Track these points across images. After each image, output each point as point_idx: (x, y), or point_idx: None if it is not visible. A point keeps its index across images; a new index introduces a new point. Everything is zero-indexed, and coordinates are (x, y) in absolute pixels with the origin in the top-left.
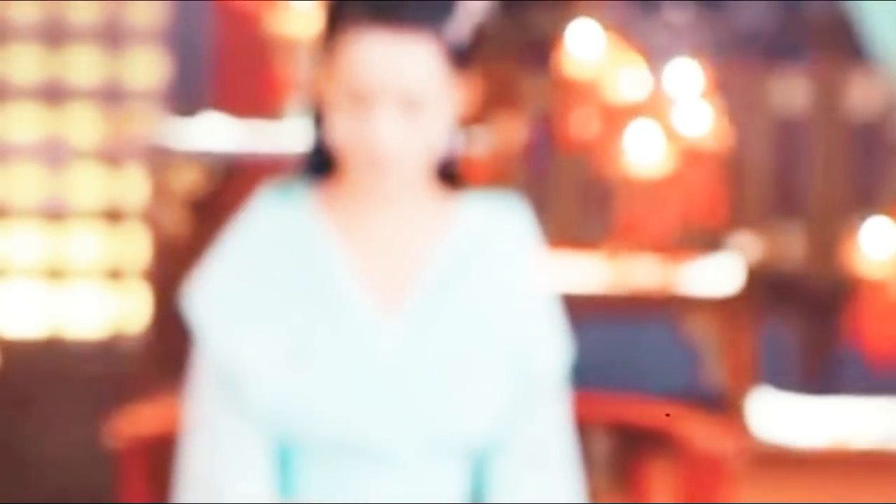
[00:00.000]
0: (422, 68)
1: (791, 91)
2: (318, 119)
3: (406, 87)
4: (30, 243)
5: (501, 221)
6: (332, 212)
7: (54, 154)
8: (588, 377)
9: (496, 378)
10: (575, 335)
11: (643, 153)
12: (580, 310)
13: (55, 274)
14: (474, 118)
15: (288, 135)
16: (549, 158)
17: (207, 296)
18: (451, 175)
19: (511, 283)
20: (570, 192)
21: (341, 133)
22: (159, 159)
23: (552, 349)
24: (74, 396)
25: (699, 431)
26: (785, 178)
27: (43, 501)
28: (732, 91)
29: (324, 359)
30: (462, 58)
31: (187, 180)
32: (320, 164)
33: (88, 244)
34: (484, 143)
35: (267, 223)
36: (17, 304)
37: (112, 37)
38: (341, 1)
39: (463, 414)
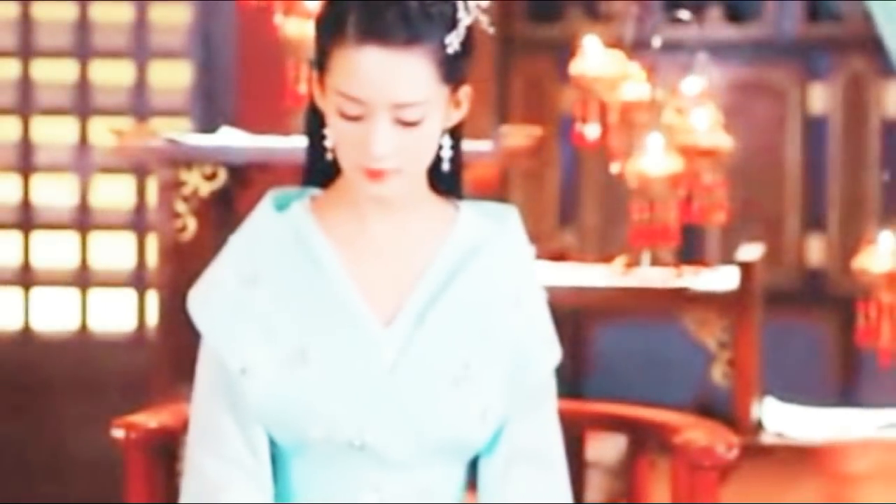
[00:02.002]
0: (415, 82)
1: (821, 96)
2: (318, 129)
3: (399, 101)
4: (60, 248)
5: (496, 230)
6: (332, 220)
7: (82, 164)
8: (605, 378)
9: (492, 384)
10: (592, 337)
11: (656, 156)
12: (597, 311)
13: (84, 277)
14: (487, 129)
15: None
16: (577, 164)
17: (210, 298)
18: (449, 185)
19: (506, 292)
20: (597, 199)
21: (338, 144)
22: (170, 162)
23: (545, 355)
24: (102, 394)
25: (699, 434)
26: (812, 181)
27: (74, 499)
28: (761, 95)
29: (322, 362)
30: (455, 69)
31: (198, 184)
32: (321, 173)
33: (116, 248)
34: (499, 151)
35: (270, 229)
36: (47, 307)
37: (139, 49)
38: (333, 17)
39: (459, 420)
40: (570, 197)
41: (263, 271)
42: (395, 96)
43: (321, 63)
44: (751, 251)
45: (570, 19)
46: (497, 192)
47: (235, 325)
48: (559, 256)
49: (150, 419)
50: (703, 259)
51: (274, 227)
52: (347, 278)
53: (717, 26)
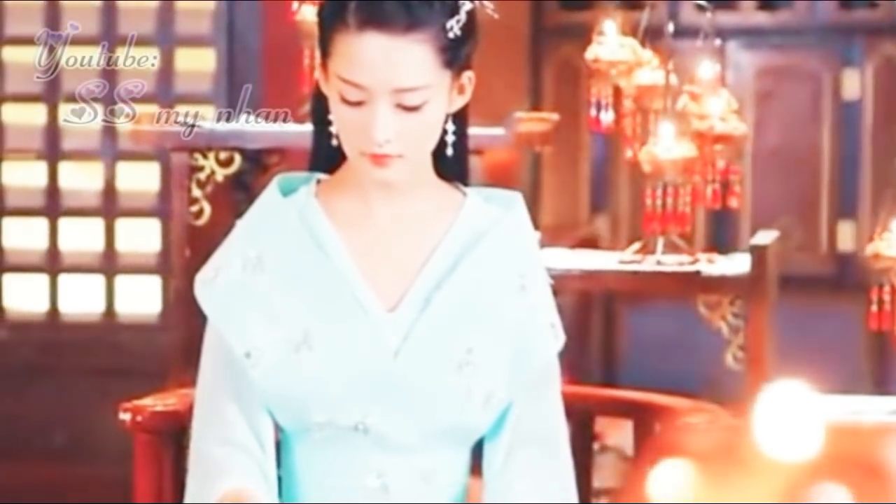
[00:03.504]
0: (415, 67)
1: (854, 82)
2: (323, 115)
3: (400, 86)
4: (86, 233)
5: (502, 216)
6: (337, 204)
7: (108, 150)
8: (635, 363)
9: (495, 370)
10: (622, 324)
11: (669, 142)
12: (626, 298)
13: (110, 262)
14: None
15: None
16: (609, 151)
17: (216, 282)
18: (454, 170)
19: (510, 277)
20: (629, 185)
21: (341, 129)
22: (186, 147)
23: (549, 340)
24: (128, 377)
25: (699, 418)
26: (844, 166)
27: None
28: (794, 81)
29: (326, 347)
30: (457, 55)
31: (214, 168)
32: (327, 158)
33: (142, 233)
34: (512, 137)
35: (275, 214)
36: (74, 291)
37: (164, 36)
38: (335, 3)
39: (462, 404)
40: (603, 184)
41: (269, 255)
42: (395, 81)
43: (324, 49)
44: (764, 236)
45: (601, 6)
46: (524, 178)
47: (240, 309)
48: (588, 243)
49: (156, 402)
50: (733, 246)
51: (279, 211)
52: (352, 263)
53: (750, 13)
